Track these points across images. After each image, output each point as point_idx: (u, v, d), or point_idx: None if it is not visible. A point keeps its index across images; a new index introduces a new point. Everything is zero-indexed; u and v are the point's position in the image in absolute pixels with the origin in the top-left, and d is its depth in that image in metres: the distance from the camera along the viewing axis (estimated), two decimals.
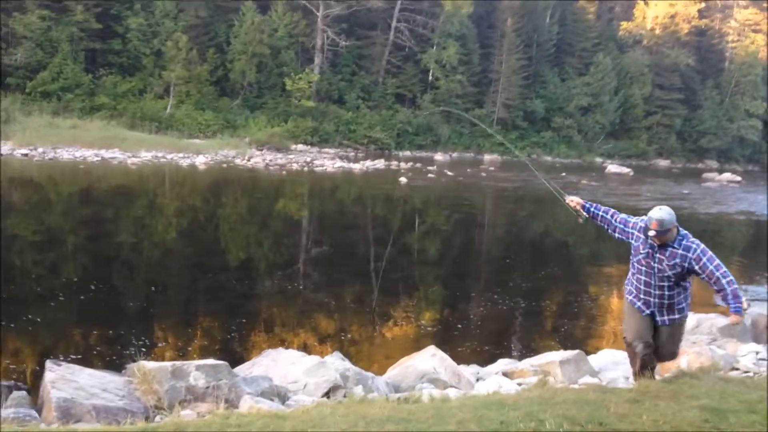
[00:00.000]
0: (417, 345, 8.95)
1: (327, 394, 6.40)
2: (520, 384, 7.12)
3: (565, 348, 8.61)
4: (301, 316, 10.79)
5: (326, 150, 51.64)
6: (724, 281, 5.57)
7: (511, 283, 14.21)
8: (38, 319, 9.37)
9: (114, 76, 49.78)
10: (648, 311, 6.03)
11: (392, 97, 61.41)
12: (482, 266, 16.77)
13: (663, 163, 70.82)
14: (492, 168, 48.41)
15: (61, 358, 6.38)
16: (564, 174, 45.05)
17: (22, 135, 35.98)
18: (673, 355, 6.26)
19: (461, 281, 14.48)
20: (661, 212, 5.68)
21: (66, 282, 11.82)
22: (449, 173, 40.28)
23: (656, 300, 5.96)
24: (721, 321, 9.27)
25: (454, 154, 57.82)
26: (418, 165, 44.45)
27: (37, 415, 5.26)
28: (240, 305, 11.22)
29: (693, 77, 75.14)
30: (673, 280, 5.82)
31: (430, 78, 62.01)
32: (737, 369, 7.59)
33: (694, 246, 5.70)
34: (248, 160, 39.36)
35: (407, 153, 55.75)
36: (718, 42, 79.16)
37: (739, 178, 51.08)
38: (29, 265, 13.11)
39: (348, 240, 18.97)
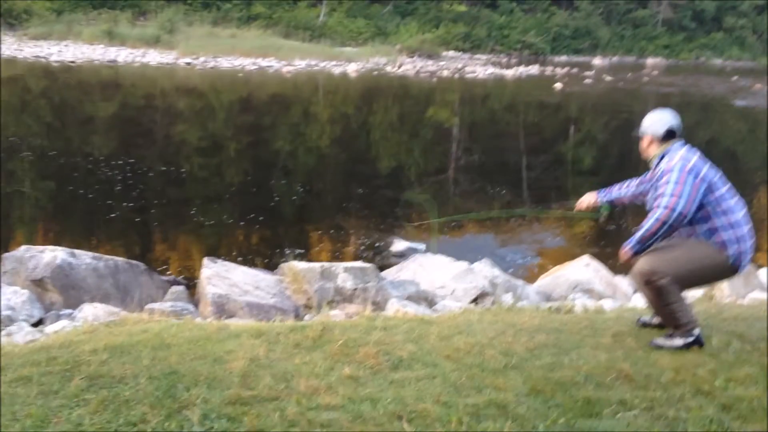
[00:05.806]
0: (570, 254, 8.64)
1: (475, 301, 6.30)
2: None
3: None
4: (449, 222, 10.67)
5: (478, 56, 50.47)
6: (658, 211, 3.94)
7: None
8: (200, 219, 9.85)
9: None
10: None
11: None
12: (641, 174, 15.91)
13: None
14: (655, 72, 45.58)
15: (219, 257, 6.63)
16: (735, 78, 41.69)
17: (185, 45, 37.60)
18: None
19: None
20: (648, 115, 4.41)
21: (227, 185, 12.33)
22: (608, 78, 38.30)
23: None
24: None
25: (614, 58, 54.85)
26: (575, 70, 42.58)
27: (193, 309, 5.52)
28: (389, 212, 11.26)
29: None
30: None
31: None
32: None
33: (674, 160, 4.14)
34: (399, 68, 39.17)
35: (563, 58, 53.50)
36: None
37: None
38: (195, 168, 13.77)
39: (499, 148, 18.55)
